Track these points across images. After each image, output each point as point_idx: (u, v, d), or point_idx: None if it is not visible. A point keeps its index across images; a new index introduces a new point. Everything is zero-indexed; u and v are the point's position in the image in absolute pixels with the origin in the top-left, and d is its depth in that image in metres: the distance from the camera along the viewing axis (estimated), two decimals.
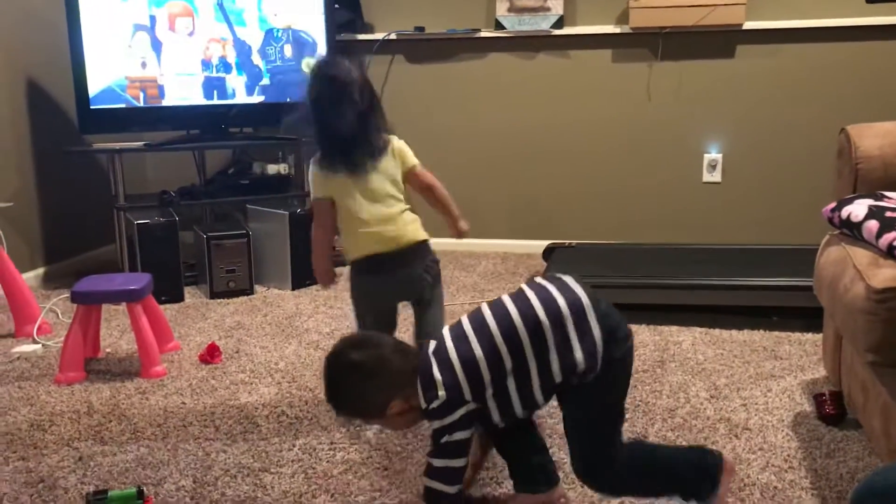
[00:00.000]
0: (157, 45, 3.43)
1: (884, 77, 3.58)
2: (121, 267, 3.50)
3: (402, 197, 2.07)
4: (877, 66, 3.59)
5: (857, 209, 1.87)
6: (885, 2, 2.92)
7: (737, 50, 3.75)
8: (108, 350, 2.75)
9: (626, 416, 2.13)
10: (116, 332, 2.93)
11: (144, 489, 1.73)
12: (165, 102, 3.49)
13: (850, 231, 1.89)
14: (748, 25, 3.65)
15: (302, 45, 3.68)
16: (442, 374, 1.49)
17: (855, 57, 3.60)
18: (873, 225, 1.78)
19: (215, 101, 3.57)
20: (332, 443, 2.02)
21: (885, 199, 1.87)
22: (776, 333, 2.74)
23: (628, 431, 2.04)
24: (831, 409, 2.04)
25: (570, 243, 3.64)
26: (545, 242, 3.67)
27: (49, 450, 2.02)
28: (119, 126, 3.50)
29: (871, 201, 1.87)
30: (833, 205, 1.99)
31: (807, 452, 1.91)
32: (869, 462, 1.85)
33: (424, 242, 2.06)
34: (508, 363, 1.48)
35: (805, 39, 3.65)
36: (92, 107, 3.37)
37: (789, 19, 3.64)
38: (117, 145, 3.51)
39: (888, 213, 1.78)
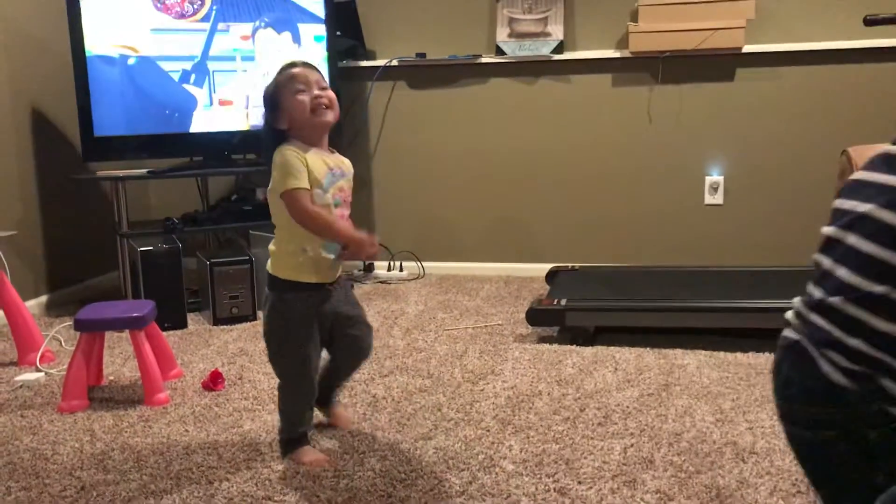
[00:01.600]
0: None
1: (883, 98, 3.59)
2: (124, 294, 3.50)
3: (276, 223, 2.03)
4: (876, 87, 3.61)
5: None
6: (882, 24, 2.93)
7: (737, 73, 3.77)
8: (111, 378, 2.74)
9: (632, 440, 2.12)
10: (119, 359, 2.93)
11: None
12: (169, 129, 3.51)
13: None
14: (748, 49, 3.67)
15: None
16: None
17: (854, 79, 3.62)
18: None
19: (218, 129, 3.59)
20: (336, 470, 2.00)
21: None
22: None
23: (633, 456, 2.03)
24: None
25: (573, 266, 3.64)
26: (548, 266, 3.67)
27: (51, 479, 2.00)
28: (123, 153, 3.52)
29: None
30: None
31: None
32: None
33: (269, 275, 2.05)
34: None
35: (804, 62, 3.67)
36: (96, 134, 3.39)
37: (788, 42, 3.66)
38: (121, 173, 3.53)
39: None
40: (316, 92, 1.96)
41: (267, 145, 1.98)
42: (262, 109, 2.00)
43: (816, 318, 1.18)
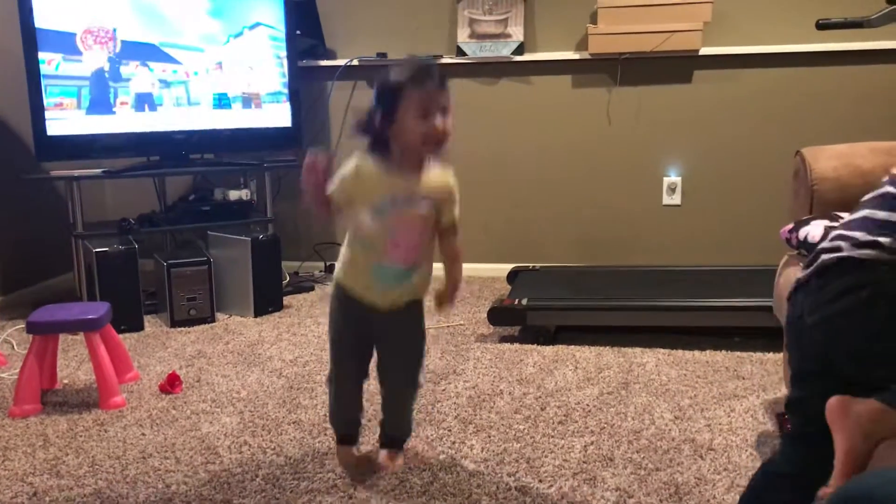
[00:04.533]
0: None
1: (836, 100, 3.66)
2: (79, 296, 3.43)
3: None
4: (829, 89, 3.68)
5: (814, 230, 1.91)
6: (834, 28, 2.99)
7: (694, 75, 3.81)
8: (65, 381, 2.69)
9: (592, 438, 2.14)
10: (74, 362, 2.87)
11: None
12: (124, 129, 3.45)
13: (808, 251, 1.92)
14: (705, 51, 3.71)
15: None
16: None
17: (808, 81, 3.69)
18: None
19: (176, 128, 3.54)
20: (295, 472, 1.98)
21: (840, 220, 1.91)
22: (738, 353, 2.77)
23: (594, 454, 2.04)
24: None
25: (533, 266, 3.66)
26: (509, 266, 3.69)
27: (2, 485, 1.96)
28: (77, 153, 3.45)
29: (826, 222, 1.91)
30: (790, 226, 2.03)
31: None
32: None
33: None
34: None
35: (760, 65, 3.73)
36: (49, 133, 3.32)
37: (744, 45, 3.72)
38: (75, 172, 3.46)
39: None
40: (435, 123, 1.73)
41: (363, 129, 1.80)
42: (375, 96, 1.79)
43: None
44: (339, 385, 1.99)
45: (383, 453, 2.04)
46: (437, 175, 1.83)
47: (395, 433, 2.05)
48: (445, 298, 1.92)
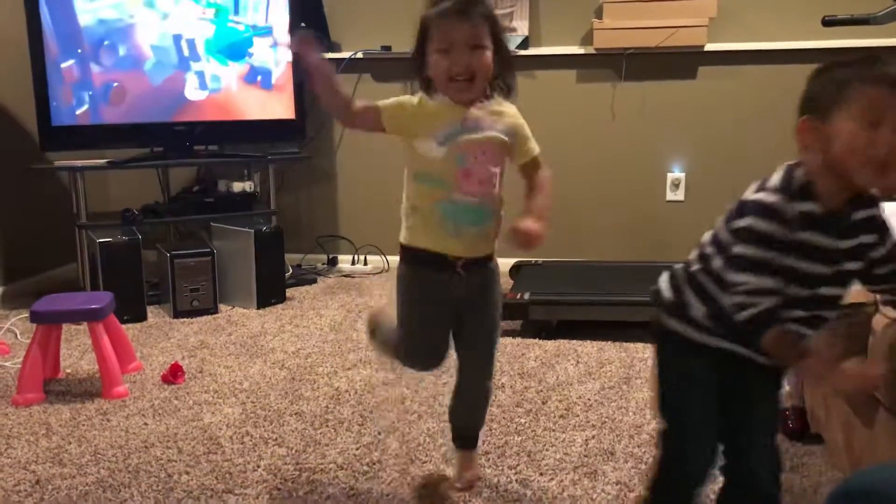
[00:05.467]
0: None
1: None
2: (82, 286, 3.44)
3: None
4: None
5: None
6: (840, 25, 2.98)
7: (699, 71, 3.81)
8: (68, 371, 2.69)
9: (593, 432, 2.14)
10: (77, 352, 2.88)
11: None
12: (129, 119, 3.45)
13: None
14: (710, 47, 3.71)
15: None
16: None
17: None
18: None
19: (180, 119, 3.54)
20: (297, 463, 1.99)
21: None
22: None
23: (595, 448, 2.05)
24: (795, 424, 2.06)
25: (536, 261, 3.66)
26: (512, 260, 3.69)
27: (5, 473, 1.96)
28: (81, 143, 3.46)
29: None
30: None
31: None
32: (831, 476, 1.87)
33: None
34: None
35: (765, 61, 3.72)
36: (53, 124, 3.32)
37: (750, 41, 3.71)
38: (79, 163, 3.46)
39: None
40: (458, 59, 1.58)
41: (412, 69, 1.68)
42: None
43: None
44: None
45: (462, 457, 1.88)
46: (500, 107, 1.69)
47: (473, 424, 1.88)
48: (522, 231, 1.58)
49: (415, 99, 1.67)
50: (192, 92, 3.54)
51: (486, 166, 1.66)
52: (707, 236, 1.46)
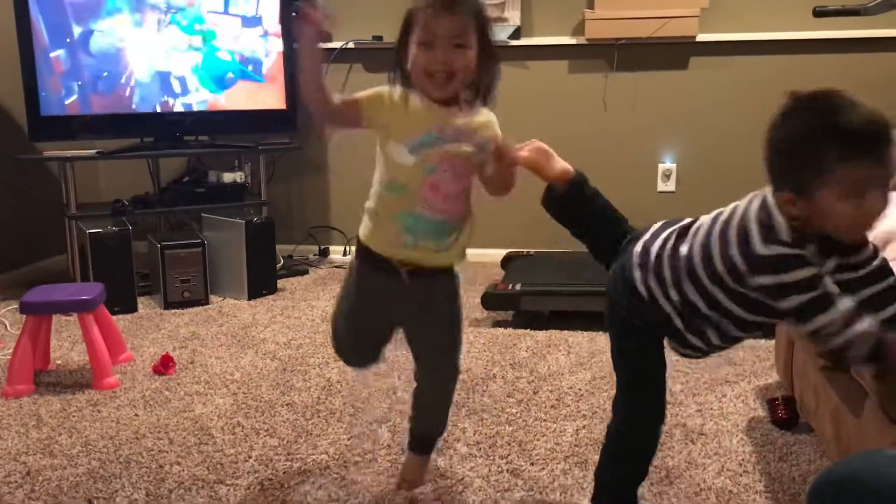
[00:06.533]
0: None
1: (831, 88, 3.66)
2: (72, 277, 3.42)
3: None
4: (826, 77, 3.66)
5: None
6: (831, 16, 2.99)
7: (690, 61, 3.81)
8: (58, 362, 2.69)
9: (584, 422, 2.15)
10: (67, 343, 2.87)
11: (95, 503, 1.69)
12: (119, 109, 3.44)
13: None
14: (701, 38, 3.71)
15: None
16: None
17: (804, 69, 3.69)
18: None
19: (171, 109, 3.52)
20: (288, 454, 1.99)
21: None
22: None
23: (585, 438, 2.05)
24: (784, 413, 2.07)
25: (527, 252, 3.66)
26: (503, 251, 3.69)
27: None
28: (71, 133, 3.44)
29: None
30: None
31: (761, 456, 1.94)
32: (821, 465, 1.88)
33: None
34: None
35: (756, 52, 3.72)
36: (43, 114, 3.30)
37: (741, 32, 3.71)
38: (69, 153, 3.44)
39: None
40: (438, 56, 1.48)
41: (395, 64, 1.58)
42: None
43: None
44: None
45: (408, 460, 1.84)
46: (480, 118, 1.60)
47: (424, 428, 1.83)
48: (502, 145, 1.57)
49: (395, 93, 1.57)
50: (183, 81, 3.52)
51: (456, 181, 1.58)
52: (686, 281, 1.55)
